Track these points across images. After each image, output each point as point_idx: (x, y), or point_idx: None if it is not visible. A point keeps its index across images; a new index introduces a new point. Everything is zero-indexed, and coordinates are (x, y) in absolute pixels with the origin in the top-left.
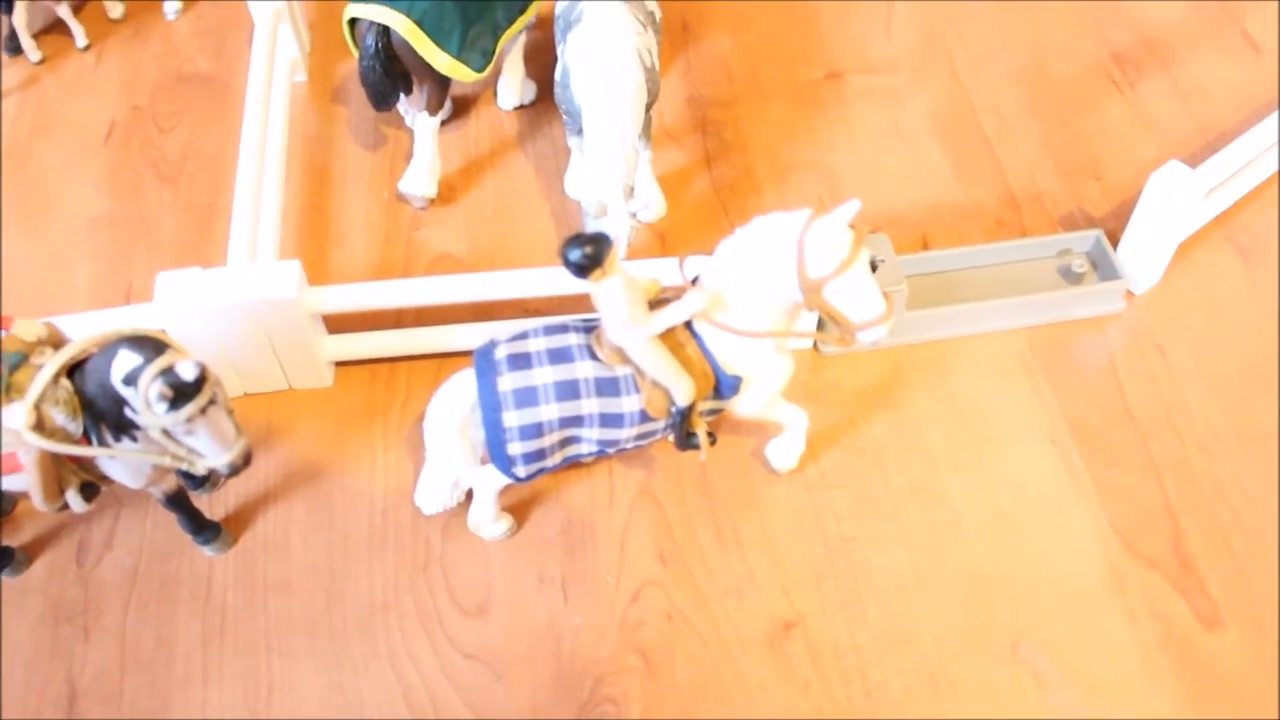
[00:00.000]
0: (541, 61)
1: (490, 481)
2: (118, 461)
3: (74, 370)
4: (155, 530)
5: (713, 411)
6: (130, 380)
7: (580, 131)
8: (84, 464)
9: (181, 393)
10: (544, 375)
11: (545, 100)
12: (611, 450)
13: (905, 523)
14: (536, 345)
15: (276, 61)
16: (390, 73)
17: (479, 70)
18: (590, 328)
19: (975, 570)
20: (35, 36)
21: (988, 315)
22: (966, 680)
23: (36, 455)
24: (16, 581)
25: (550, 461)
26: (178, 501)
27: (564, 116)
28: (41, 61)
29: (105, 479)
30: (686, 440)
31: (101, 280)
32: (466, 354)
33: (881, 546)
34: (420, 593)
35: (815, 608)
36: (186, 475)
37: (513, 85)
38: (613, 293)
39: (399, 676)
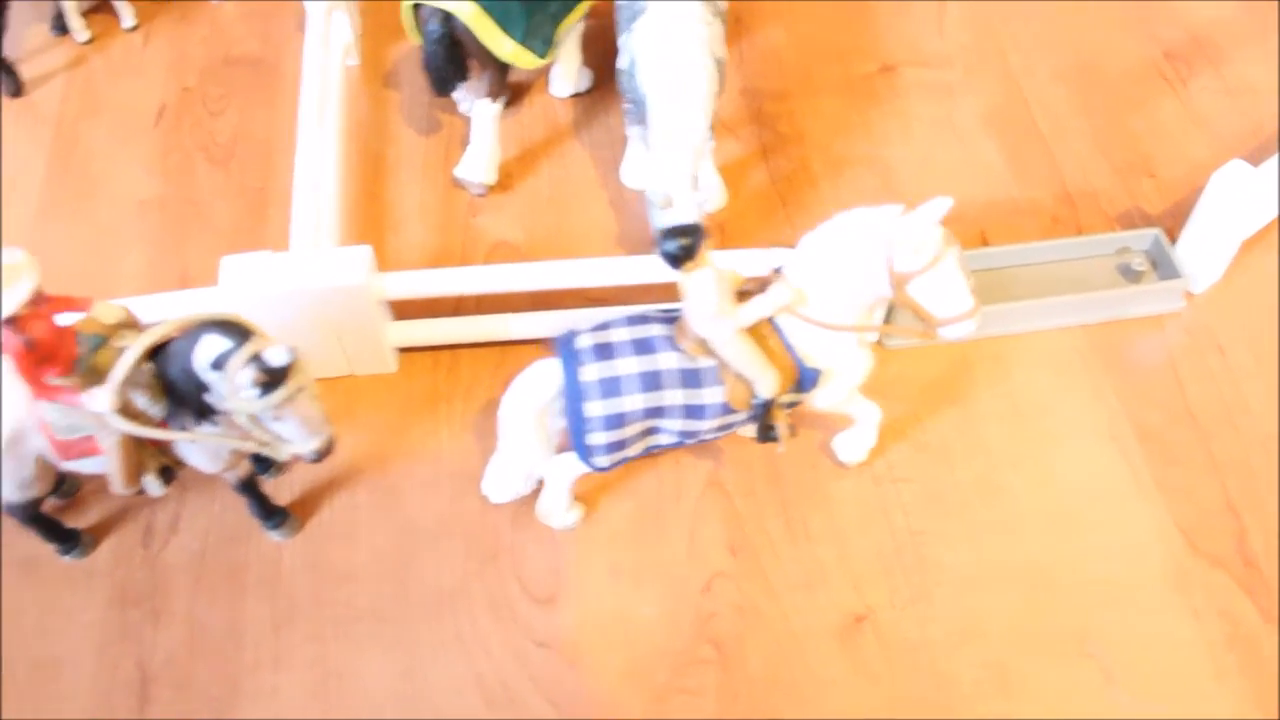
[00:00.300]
0: (595, 49)
1: (566, 471)
2: (196, 445)
3: (154, 354)
4: (221, 514)
5: (790, 404)
6: (218, 365)
7: (642, 121)
8: (162, 447)
9: (273, 378)
10: (628, 366)
11: (600, 88)
12: (690, 441)
13: (971, 518)
14: (620, 335)
15: (330, 46)
16: (453, 59)
17: (541, 57)
18: (671, 319)
19: (1040, 566)
20: (82, 16)
21: (1047, 312)
22: (1035, 675)
23: (119, 439)
24: (83, 564)
25: (631, 451)
26: (249, 486)
27: (625, 105)
28: (89, 41)
29: (180, 463)
30: (766, 432)
31: (154, 264)
32: (530, 342)
33: (948, 541)
34: (490, 581)
35: (885, 601)
36: (254, 459)
37: (568, 73)
38: (704, 284)
39: (470, 664)
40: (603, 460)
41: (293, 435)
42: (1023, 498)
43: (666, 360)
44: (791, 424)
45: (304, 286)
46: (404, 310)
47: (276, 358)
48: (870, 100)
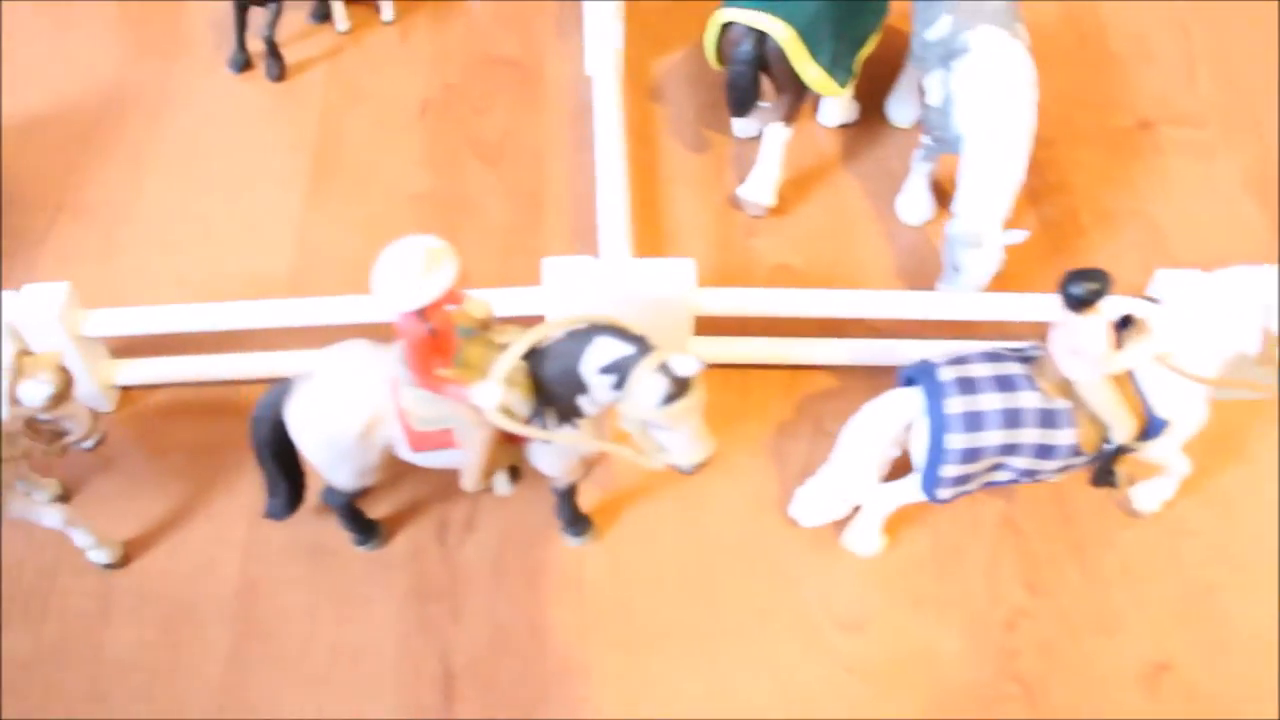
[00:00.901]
0: (861, 84)
1: (892, 499)
2: (549, 448)
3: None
4: (517, 515)
5: (1129, 451)
6: (614, 369)
7: (933, 159)
8: (515, 446)
9: (680, 388)
10: (991, 401)
11: (866, 121)
12: (1026, 480)
13: (1261, 575)
14: (981, 371)
15: (606, 56)
16: (758, 80)
17: (843, 85)
18: (1026, 357)
19: None
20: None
21: None
22: None
23: (488, 435)
24: (378, 555)
25: (970, 486)
26: (569, 492)
27: (925, 140)
28: (347, 32)
29: (523, 463)
30: (1106, 477)
31: None
32: (819, 368)
33: (1241, 597)
34: (795, 604)
35: (1185, 652)
36: None
37: (840, 103)
38: (1098, 329)
39: (781, 688)
40: (946, 493)
41: (677, 446)
42: None
43: (1027, 399)
44: (1131, 473)
45: (631, 294)
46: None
47: (685, 367)
48: (1131, 155)
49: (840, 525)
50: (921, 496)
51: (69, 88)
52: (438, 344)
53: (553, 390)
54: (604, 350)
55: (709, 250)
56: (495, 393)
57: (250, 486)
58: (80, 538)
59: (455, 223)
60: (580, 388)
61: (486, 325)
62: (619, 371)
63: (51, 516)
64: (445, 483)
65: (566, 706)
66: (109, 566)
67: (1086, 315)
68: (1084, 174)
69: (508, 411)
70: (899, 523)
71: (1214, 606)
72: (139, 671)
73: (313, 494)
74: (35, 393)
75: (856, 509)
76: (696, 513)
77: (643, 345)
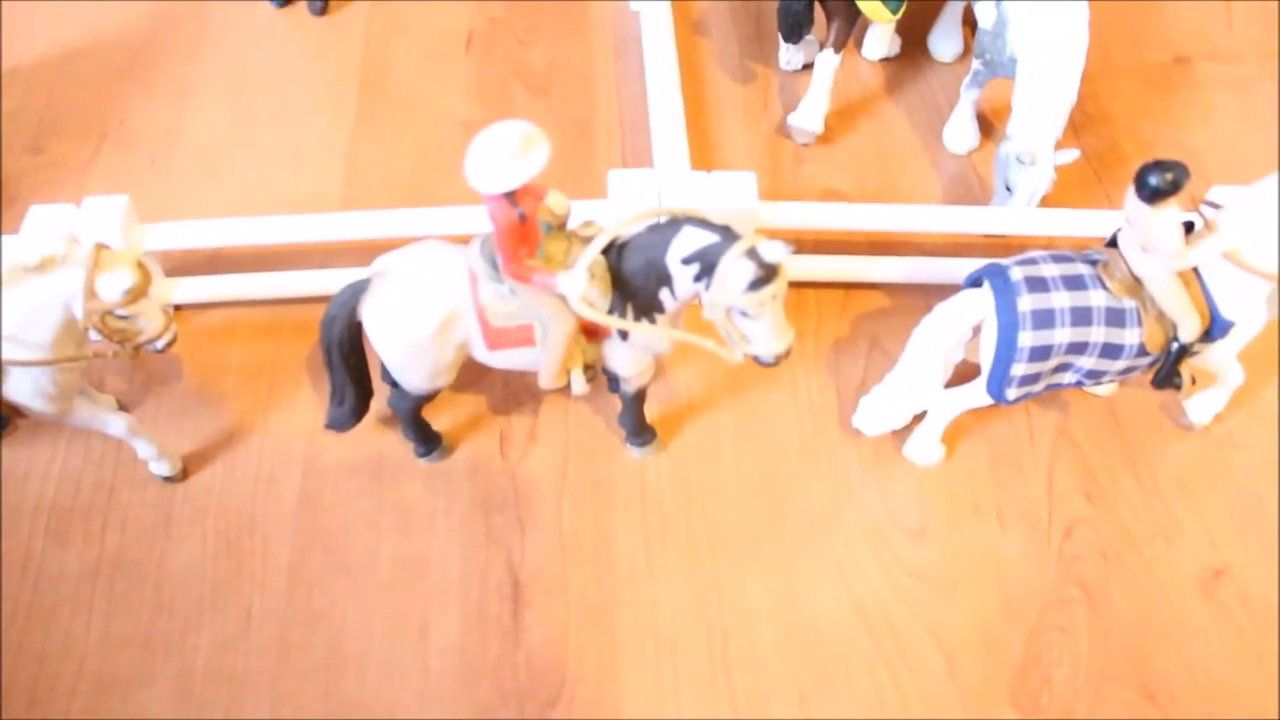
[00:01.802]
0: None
1: (957, 404)
2: (626, 347)
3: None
4: (579, 429)
5: (1191, 353)
6: (699, 258)
7: (981, 85)
8: (593, 343)
9: (765, 274)
10: (1061, 300)
11: (908, 55)
12: (1089, 382)
13: None
14: (1050, 270)
15: None
16: (810, 6)
17: (894, 13)
18: (1092, 260)
19: None
20: None
21: None
22: None
23: (570, 328)
24: (440, 468)
25: (1037, 387)
26: (638, 399)
27: (976, 66)
28: None
29: (596, 364)
30: (1170, 379)
31: None
32: (873, 287)
33: None
34: (859, 511)
35: (1241, 558)
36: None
37: (883, 37)
38: (1172, 222)
39: (849, 589)
40: (1013, 393)
41: (762, 335)
42: None
43: (1096, 298)
44: (1193, 374)
45: (698, 205)
46: None
47: (773, 253)
48: (1168, 89)
49: (899, 438)
50: (986, 400)
51: (106, 22)
52: (525, 232)
53: (634, 284)
54: (690, 240)
55: (760, 175)
56: (581, 280)
57: (307, 405)
58: (142, 448)
59: None
60: (663, 279)
61: (564, 224)
62: (704, 260)
63: (116, 424)
64: (507, 397)
65: (638, 611)
66: (169, 479)
67: (1160, 208)
68: (1124, 106)
69: (590, 303)
70: (956, 435)
71: (1265, 516)
72: (203, 582)
73: (375, 406)
74: (114, 286)
75: (917, 420)
76: (756, 425)
77: (728, 234)
